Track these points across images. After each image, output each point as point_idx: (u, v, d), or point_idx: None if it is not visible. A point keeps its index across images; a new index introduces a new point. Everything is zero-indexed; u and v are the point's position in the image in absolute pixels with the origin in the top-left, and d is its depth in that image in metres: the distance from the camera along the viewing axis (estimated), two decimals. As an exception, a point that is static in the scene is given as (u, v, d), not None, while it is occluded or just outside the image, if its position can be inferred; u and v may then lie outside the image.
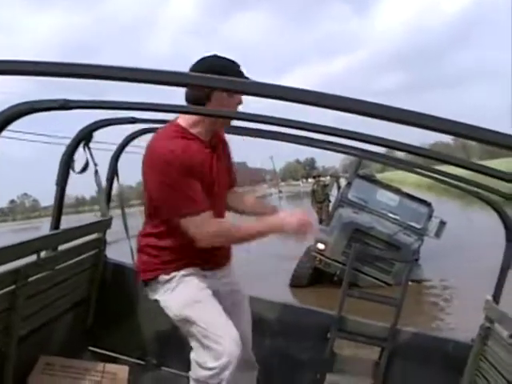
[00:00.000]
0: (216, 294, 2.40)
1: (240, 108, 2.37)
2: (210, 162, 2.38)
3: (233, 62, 2.32)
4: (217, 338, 2.21)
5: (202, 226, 2.21)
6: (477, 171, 1.92)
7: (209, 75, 1.24)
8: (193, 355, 2.30)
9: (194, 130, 2.33)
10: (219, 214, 2.42)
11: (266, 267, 13.06)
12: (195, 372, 2.28)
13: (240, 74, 2.28)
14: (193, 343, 2.31)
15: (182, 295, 2.34)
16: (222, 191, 2.48)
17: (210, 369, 2.19)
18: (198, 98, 2.26)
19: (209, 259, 2.43)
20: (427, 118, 1.09)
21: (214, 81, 1.22)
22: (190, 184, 2.23)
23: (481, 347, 2.92)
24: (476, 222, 17.22)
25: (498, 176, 1.87)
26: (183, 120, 2.35)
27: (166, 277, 2.36)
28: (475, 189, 2.90)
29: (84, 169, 2.90)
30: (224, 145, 2.57)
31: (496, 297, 3.07)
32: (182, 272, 2.37)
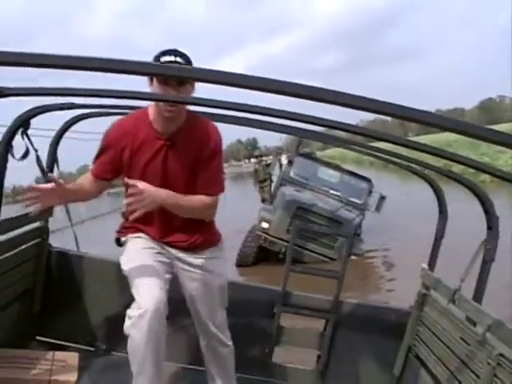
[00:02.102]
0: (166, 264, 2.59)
1: None
2: (157, 152, 2.48)
3: (163, 52, 2.33)
4: (140, 289, 2.37)
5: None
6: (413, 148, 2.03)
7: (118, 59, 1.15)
8: None
9: (152, 118, 2.48)
10: (162, 216, 2.59)
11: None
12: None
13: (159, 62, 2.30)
14: None
15: (125, 254, 2.60)
16: (171, 185, 2.50)
17: (130, 317, 2.32)
18: None
19: (152, 229, 2.62)
20: (355, 99, 1.16)
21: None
22: (106, 155, 2.53)
23: (418, 313, 3.09)
24: (414, 194, 17.89)
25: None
26: (150, 108, 2.50)
27: (123, 239, 2.67)
28: (411, 164, 3.04)
29: (25, 155, 2.82)
30: (198, 147, 2.52)
31: (431, 264, 3.24)
32: (131, 235, 2.63)
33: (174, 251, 2.66)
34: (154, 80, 2.34)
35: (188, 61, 2.34)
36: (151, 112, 2.49)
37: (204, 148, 2.51)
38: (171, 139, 2.48)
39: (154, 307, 2.30)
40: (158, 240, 2.64)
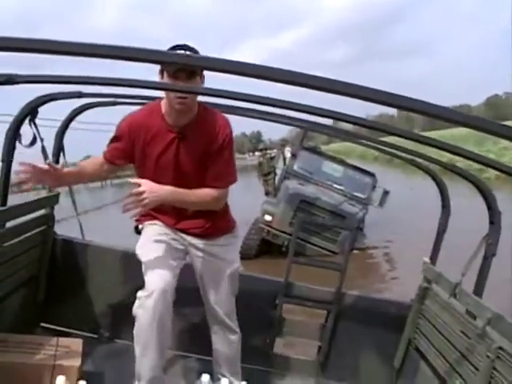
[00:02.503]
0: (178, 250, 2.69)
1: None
2: (169, 145, 2.54)
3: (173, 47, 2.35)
4: (149, 272, 2.47)
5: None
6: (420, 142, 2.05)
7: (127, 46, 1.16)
8: None
9: (164, 111, 2.54)
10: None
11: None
12: None
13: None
14: None
15: (140, 240, 2.71)
16: (182, 176, 2.56)
17: (139, 299, 2.43)
18: None
19: (167, 217, 2.70)
20: (364, 90, 1.17)
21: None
22: (118, 143, 2.58)
23: (419, 306, 3.11)
24: (418, 189, 17.90)
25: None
26: (163, 101, 2.55)
27: (141, 226, 2.78)
28: (416, 158, 3.05)
29: (32, 142, 2.86)
30: (209, 140, 2.54)
31: (433, 258, 3.26)
32: (148, 222, 2.74)
33: (188, 238, 2.73)
34: (165, 74, 2.38)
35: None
36: (163, 105, 2.54)
37: (214, 141, 2.54)
38: (182, 132, 2.53)
39: (160, 288, 2.38)
40: (173, 227, 2.71)
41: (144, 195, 2.36)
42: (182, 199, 2.53)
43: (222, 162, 2.58)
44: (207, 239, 2.74)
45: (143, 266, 2.52)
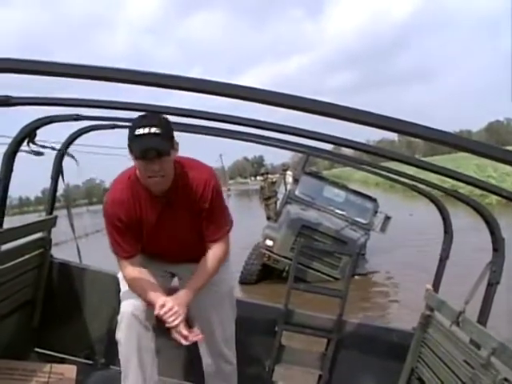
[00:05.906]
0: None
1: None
2: (159, 212, 2.48)
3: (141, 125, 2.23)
4: (121, 297, 2.59)
5: (122, 269, 2.54)
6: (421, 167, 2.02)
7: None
8: None
9: (143, 182, 2.39)
10: (171, 256, 2.71)
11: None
12: None
13: (134, 136, 2.22)
14: None
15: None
16: (180, 237, 2.57)
17: (118, 323, 2.53)
18: None
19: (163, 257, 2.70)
20: (367, 115, 1.15)
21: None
22: (119, 232, 2.47)
23: (421, 334, 3.05)
24: (419, 215, 17.82)
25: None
26: (137, 172, 2.38)
27: None
28: (418, 184, 3.03)
29: (41, 153, 2.92)
30: (198, 198, 2.47)
31: (436, 286, 3.21)
32: None
33: (180, 265, 2.73)
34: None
35: (167, 128, 2.26)
36: (140, 176, 2.38)
37: (202, 198, 2.47)
38: (168, 197, 2.45)
39: (130, 310, 2.46)
40: (166, 262, 2.74)
41: (175, 309, 2.35)
42: (201, 286, 2.53)
43: (215, 214, 2.54)
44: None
45: (120, 296, 2.59)
